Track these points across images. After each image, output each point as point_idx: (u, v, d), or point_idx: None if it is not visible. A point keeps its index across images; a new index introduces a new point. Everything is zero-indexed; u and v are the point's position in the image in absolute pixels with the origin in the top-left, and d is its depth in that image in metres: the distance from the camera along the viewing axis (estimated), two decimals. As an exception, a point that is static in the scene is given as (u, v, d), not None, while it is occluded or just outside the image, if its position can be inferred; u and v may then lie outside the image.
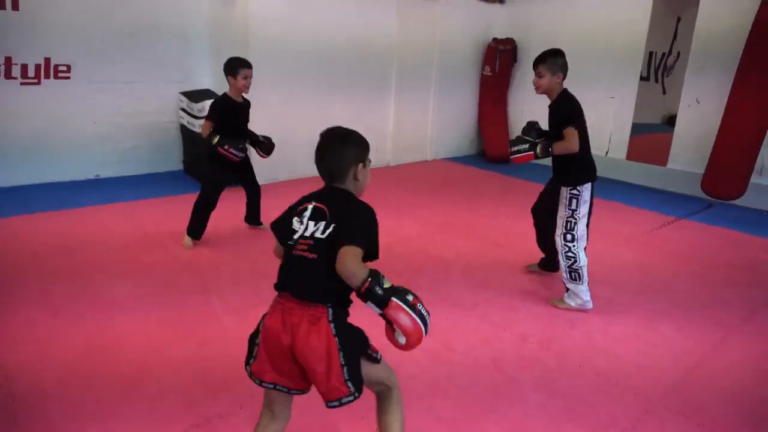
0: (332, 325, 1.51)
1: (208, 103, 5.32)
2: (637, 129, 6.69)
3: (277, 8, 5.35)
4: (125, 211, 4.54)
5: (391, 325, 1.48)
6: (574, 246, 3.01)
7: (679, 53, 10.88)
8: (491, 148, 7.45)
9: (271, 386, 1.58)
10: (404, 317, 1.44)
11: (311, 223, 1.58)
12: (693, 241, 4.45)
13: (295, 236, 1.59)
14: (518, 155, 3.10)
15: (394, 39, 6.43)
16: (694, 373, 2.56)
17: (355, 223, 1.56)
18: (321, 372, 1.50)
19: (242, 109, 3.80)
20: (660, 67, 11.26)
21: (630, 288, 3.49)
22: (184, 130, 5.80)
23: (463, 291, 3.34)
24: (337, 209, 1.58)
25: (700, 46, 5.78)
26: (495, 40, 7.29)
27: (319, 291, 1.53)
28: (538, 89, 3.04)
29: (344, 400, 1.52)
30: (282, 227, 1.64)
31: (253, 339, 1.62)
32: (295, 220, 1.62)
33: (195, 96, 5.57)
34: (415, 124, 7.08)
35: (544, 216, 3.36)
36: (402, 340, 1.47)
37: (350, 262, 1.45)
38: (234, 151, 3.58)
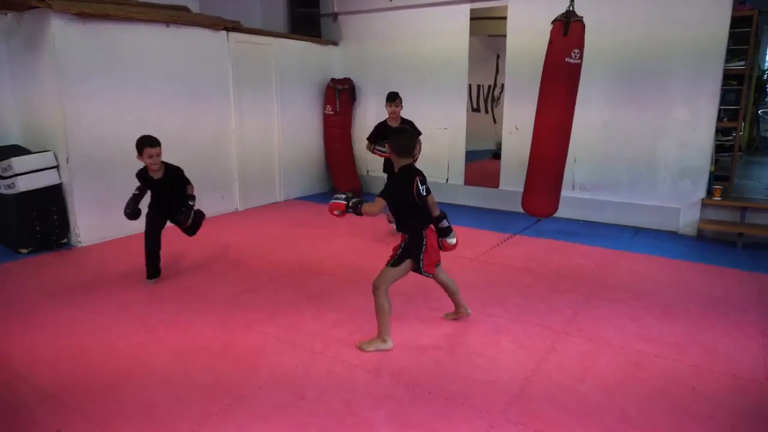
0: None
1: (15, 160, 4.74)
2: (473, 156, 7.24)
3: (87, 53, 4.97)
4: None
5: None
6: None
7: (503, 85, 12.11)
8: (342, 184, 7.56)
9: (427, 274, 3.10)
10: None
11: (423, 187, 3.00)
12: (525, 255, 4.85)
13: (423, 196, 2.98)
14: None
15: (229, 78, 6.31)
16: (530, 381, 2.73)
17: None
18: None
19: (160, 184, 3.93)
20: (488, 99, 12.47)
21: (474, 307, 3.67)
22: (-10, 193, 5.07)
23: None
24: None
25: (511, 80, 6.48)
26: (333, 80, 7.50)
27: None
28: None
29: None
30: (409, 194, 2.95)
31: (418, 255, 3.00)
32: (420, 187, 2.98)
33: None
34: (261, 165, 6.96)
35: None
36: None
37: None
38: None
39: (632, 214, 5.82)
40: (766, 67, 10.20)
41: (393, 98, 5.07)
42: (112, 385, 2.67)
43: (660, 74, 5.47)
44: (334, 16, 7.73)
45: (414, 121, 5.07)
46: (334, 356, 2.98)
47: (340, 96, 7.44)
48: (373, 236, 5.37)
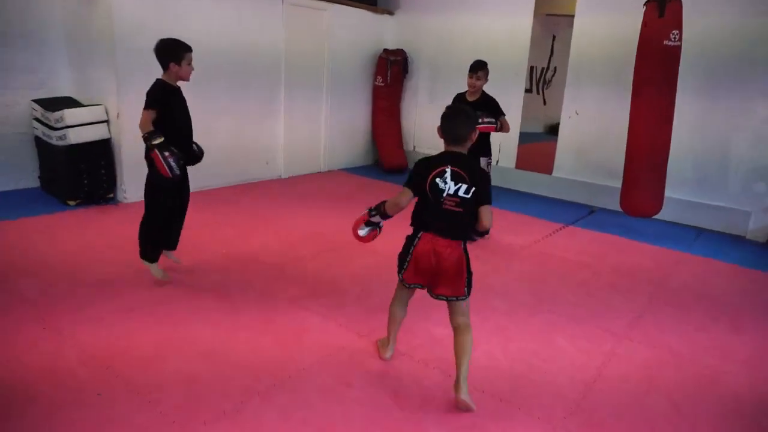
0: (465, 251, 2.31)
1: (67, 112, 4.70)
2: (522, 138, 6.93)
3: (146, 10, 4.85)
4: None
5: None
6: None
7: (555, 68, 11.63)
8: (387, 158, 7.37)
9: (412, 286, 2.41)
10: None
11: (452, 183, 2.22)
12: (579, 248, 4.60)
13: (444, 194, 2.22)
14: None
15: (282, 48, 6.14)
16: (591, 388, 2.53)
17: (487, 188, 2.26)
18: (453, 276, 2.27)
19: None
20: (540, 81, 11.99)
21: (525, 300, 3.47)
22: (40, 143, 5.08)
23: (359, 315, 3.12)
24: (473, 174, 2.23)
25: (575, 63, 6.09)
26: (386, 50, 7.24)
27: (461, 233, 2.29)
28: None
29: (460, 298, 2.32)
30: (422, 185, 2.24)
31: (403, 258, 2.35)
32: (438, 180, 2.22)
33: (51, 104, 4.89)
34: (307, 134, 6.82)
35: None
36: None
37: (490, 218, 2.26)
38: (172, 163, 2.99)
39: (696, 213, 5.45)
40: None
41: (475, 69, 4.22)
42: (154, 355, 2.59)
43: (740, 62, 5.03)
44: (392, -17, 7.43)
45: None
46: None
47: (391, 67, 7.19)
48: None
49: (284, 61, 6.21)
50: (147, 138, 2.97)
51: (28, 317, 2.84)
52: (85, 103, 5.01)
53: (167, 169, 2.98)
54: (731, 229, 5.26)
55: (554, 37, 11.35)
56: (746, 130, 5.09)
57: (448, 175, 2.21)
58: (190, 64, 3.14)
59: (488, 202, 2.25)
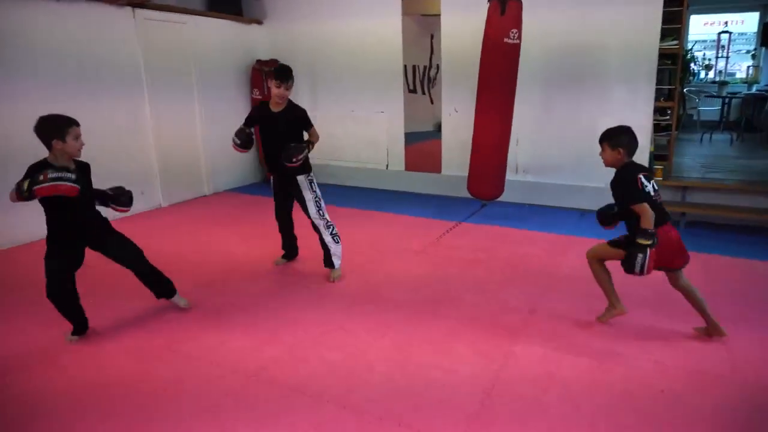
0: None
1: None
2: (412, 137, 6.93)
3: None
4: None
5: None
6: (328, 216, 3.79)
7: (438, 65, 11.87)
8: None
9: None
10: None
11: (653, 183, 2.79)
12: (474, 244, 4.61)
13: (652, 193, 2.75)
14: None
15: (140, 63, 5.64)
16: (491, 395, 2.46)
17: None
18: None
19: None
20: (424, 80, 12.19)
21: (425, 306, 3.38)
22: None
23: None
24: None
25: (448, 62, 6.18)
26: (259, 61, 6.94)
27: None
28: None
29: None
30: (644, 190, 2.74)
31: (645, 249, 2.62)
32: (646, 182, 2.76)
33: None
34: (184, 156, 6.35)
35: (284, 216, 4.03)
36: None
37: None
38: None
39: (576, 196, 5.71)
40: (688, 46, 10.49)
41: (286, 77, 3.63)
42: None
43: (597, 54, 5.34)
44: (257, -9, 7.14)
45: (349, 105, 4.52)
46: (269, 378, 2.59)
47: (267, 78, 6.89)
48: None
49: (144, 77, 5.71)
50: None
51: None
52: None
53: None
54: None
55: (432, 35, 11.58)
56: (611, 115, 5.40)
57: (647, 179, 2.80)
58: (77, 138, 2.75)
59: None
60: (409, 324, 3.16)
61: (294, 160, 3.52)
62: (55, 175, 2.55)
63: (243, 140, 3.74)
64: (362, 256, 4.31)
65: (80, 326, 3.02)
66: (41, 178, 2.53)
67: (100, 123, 5.26)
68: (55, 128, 2.71)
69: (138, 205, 5.69)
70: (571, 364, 2.72)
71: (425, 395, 2.46)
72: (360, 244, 4.59)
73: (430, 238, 4.79)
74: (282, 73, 3.62)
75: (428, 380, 2.58)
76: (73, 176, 2.60)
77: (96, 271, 3.33)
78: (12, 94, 4.51)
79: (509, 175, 5.58)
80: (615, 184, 2.83)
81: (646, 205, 2.66)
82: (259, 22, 7.16)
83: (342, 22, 6.68)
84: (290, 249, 4.21)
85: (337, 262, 3.85)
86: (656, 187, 2.81)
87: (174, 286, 3.33)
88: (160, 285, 3.28)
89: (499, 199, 5.48)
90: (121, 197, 3.04)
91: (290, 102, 3.74)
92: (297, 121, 3.72)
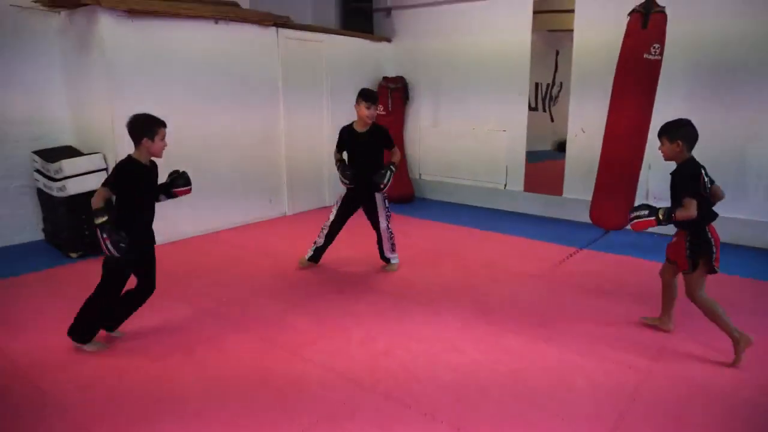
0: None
1: (65, 162, 4.68)
2: (530, 157, 6.77)
3: (142, 56, 4.85)
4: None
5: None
6: (391, 227, 4.36)
7: (561, 83, 11.49)
8: (392, 188, 7.21)
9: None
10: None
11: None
12: (597, 273, 4.38)
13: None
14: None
15: (278, 76, 6.10)
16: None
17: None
18: None
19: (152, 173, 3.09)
20: (546, 97, 11.84)
21: (542, 334, 3.28)
22: (42, 195, 5.05)
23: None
24: None
25: (578, 79, 5.96)
26: (385, 78, 7.19)
27: None
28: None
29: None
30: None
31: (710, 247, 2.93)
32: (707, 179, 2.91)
33: (50, 155, 4.88)
34: (310, 167, 6.73)
35: (339, 228, 4.43)
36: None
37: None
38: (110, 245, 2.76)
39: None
40: None
41: (375, 99, 4.07)
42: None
43: (754, 68, 4.86)
44: (387, 11, 7.41)
45: (470, 122, 4.61)
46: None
47: (392, 95, 7.12)
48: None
49: (281, 91, 6.15)
50: (93, 215, 2.79)
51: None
52: (86, 152, 5.00)
53: (106, 250, 2.80)
54: (757, 242, 5.00)
55: (557, 52, 11.25)
56: (764, 139, 4.87)
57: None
58: (163, 139, 2.97)
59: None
60: (525, 349, 3.09)
61: (383, 185, 4.05)
62: (109, 245, 2.76)
63: (350, 179, 4.16)
64: (477, 278, 4.28)
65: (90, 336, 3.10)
66: (104, 235, 2.74)
67: (241, 131, 5.78)
68: (147, 127, 2.90)
69: (267, 212, 6.17)
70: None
71: (539, 426, 2.39)
72: (475, 264, 4.57)
73: (548, 263, 4.64)
74: (373, 96, 4.07)
75: (540, 406, 2.51)
76: (118, 254, 2.80)
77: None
78: (171, 102, 5.04)
79: (639, 201, 5.23)
80: (677, 176, 2.97)
81: (695, 202, 2.80)
82: (389, 40, 7.43)
83: (468, 38, 6.72)
84: (320, 255, 4.49)
85: (393, 260, 4.43)
86: (709, 185, 2.93)
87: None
88: (127, 314, 3.25)
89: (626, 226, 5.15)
90: (178, 180, 3.20)
91: (374, 122, 4.16)
92: (381, 140, 4.16)
